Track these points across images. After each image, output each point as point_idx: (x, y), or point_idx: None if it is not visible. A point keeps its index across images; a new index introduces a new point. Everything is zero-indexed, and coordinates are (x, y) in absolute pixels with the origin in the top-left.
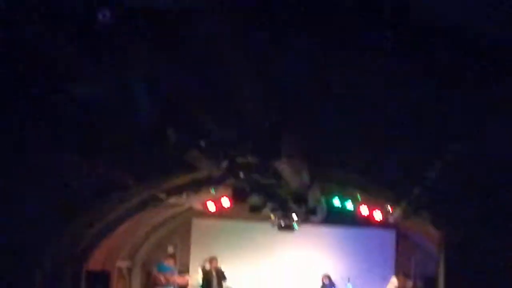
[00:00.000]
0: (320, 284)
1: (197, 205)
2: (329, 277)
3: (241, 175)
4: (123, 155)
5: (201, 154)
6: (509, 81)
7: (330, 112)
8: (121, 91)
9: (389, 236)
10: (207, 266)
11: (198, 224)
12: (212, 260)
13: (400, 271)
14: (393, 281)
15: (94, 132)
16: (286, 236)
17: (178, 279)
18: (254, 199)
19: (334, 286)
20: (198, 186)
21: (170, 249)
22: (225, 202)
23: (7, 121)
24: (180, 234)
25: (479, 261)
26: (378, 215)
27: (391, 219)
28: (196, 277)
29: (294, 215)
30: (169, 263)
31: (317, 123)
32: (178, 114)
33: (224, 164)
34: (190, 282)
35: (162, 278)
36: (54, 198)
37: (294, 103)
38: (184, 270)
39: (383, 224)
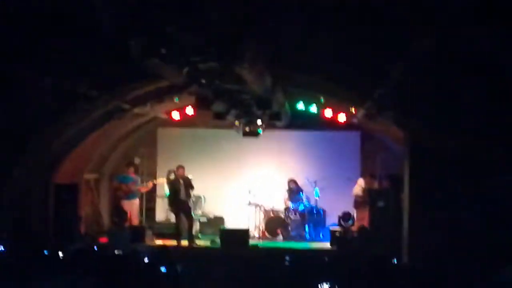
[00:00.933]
0: (287, 188)
1: (162, 114)
2: (295, 182)
3: (204, 81)
4: (86, 66)
5: (163, 61)
6: None
7: (292, 14)
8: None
9: (354, 138)
10: (174, 175)
11: (163, 134)
12: (179, 168)
13: (366, 172)
14: (360, 182)
15: (56, 43)
16: (251, 141)
17: (141, 188)
18: (218, 106)
19: (300, 190)
20: (161, 95)
21: (137, 160)
22: (189, 110)
23: None
24: (146, 145)
25: (443, 158)
26: (342, 117)
27: (355, 121)
28: (161, 183)
29: (258, 121)
30: (130, 173)
31: (279, 26)
32: (140, 21)
33: (186, 70)
34: (156, 188)
35: (123, 188)
36: (18, 111)
37: (256, 5)
38: (150, 180)
39: (348, 126)
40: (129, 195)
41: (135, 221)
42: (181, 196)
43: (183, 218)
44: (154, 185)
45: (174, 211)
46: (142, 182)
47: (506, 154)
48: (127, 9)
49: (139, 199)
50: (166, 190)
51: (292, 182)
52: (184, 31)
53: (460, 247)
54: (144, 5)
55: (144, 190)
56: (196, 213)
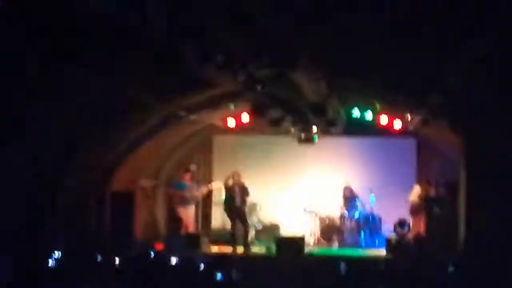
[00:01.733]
0: (342, 195)
1: (217, 122)
2: (350, 189)
3: (259, 88)
4: (141, 73)
5: (218, 69)
6: None
7: (347, 19)
8: (134, 7)
9: (410, 145)
10: (230, 182)
11: (219, 141)
12: (235, 175)
13: (422, 179)
14: (416, 189)
15: (111, 50)
16: (307, 148)
17: (197, 194)
18: (273, 113)
19: (356, 197)
20: (217, 102)
21: (193, 167)
22: (245, 117)
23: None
24: (201, 152)
25: (500, 164)
26: (397, 124)
27: (410, 127)
28: (218, 189)
29: (313, 127)
30: (187, 180)
31: (334, 32)
32: (193, 29)
33: (241, 78)
34: (212, 195)
35: (177, 195)
36: (75, 118)
37: (310, 12)
38: (205, 187)
39: (403, 133)
40: (185, 202)
41: (191, 228)
42: (236, 203)
43: (239, 225)
44: (210, 191)
45: (230, 218)
46: (198, 188)
47: None
48: (181, 16)
49: (195, 206)
50: (223, 196)
51: (348, 189)
52: (239, 38)
53: None
54: (198, 12)
55: (199, 195)
56: (252, 220)
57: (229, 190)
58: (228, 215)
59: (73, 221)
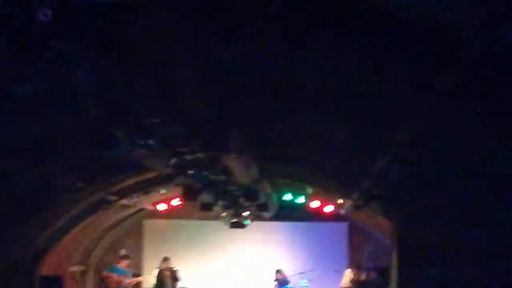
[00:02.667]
0: (274, 279)
1: (148, 206)
2: (282, 272)
3: (191, 172)
4: (70, 158)
5: (150, 153)
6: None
7: (278, 107)
8: (64, 92)
9: (342, 229)
10: (162, 266)
11: (149, 225)
12: (165, 260)
13: (354, 263)
14: (348, 273)
15: (39, 135)
16: (238, 232)
17: (131, 281)
18: (205, 197)
19: (288, 282)
20: (148, 186)
21: (123, 251)
22: (176, 201)
23: None
24: (132, 236)
25: (432, 251)
26: (329, 208)
27: (342, 212)
28: (149, 278)
29: (245, 212)
30: (122, 265)
31: (265, 118)
32: (124, 114)
33: (173, 162)
34: (143, 283)
35: (114, 278)
36: (3, 201)
37: (241, 98)
38: (138, 272)
39: (335, 217)
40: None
41: None
42: (167, 287)
43: None
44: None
45: None
46: (133, 276)
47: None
48: (111, 100)
49: None
50: (153, 281)
51: (279, 272)
52: (170, 123)
53: None
54: (129, 97)
55: (134, 283)
56: None
57: (160, 274)
58: None
59: None
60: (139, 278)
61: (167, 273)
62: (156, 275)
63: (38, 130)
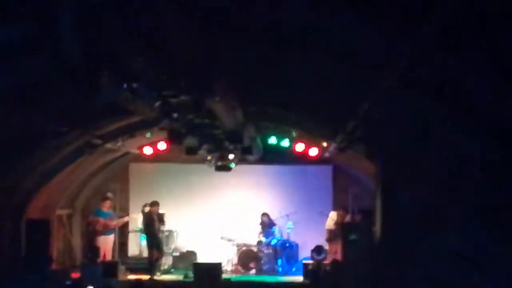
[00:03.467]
0: (259, 222)
1: (134, 150)
2: (268, 215)
3: (176, 115)
4: (55, 102)
5: (134, 96)
6: None
7: (263, 48)
8: (47, 36)
9: (326, 172)
10: (146, 209)
11: (135, 169)
12: (155, 205)
13: (338, 205)
14: (332, 215)
15: (22, 80)
16: (224, 176)
17: (117, 223)
18: (190, 141)
19: (273, 224)
20: (133, 130)
21: (109, 195)
22: (161, 145)
23: None
24: (118, 180)
25: (415, 192)
26: (314, 151)
27: (327, 154)
28: (135, 217)
29: (230, 155)
30: (106, 208)
31: (249, 60)
32: (108, 57)
33: (158, 105)
34: (129, 223)
35: (101, 222)
36: None
37: (225, 39)
38: (124, 215)
39: (320, 160)
40: (106, 231)
41: (109, 256)
42: (155, 230)
43: (156, 252)
44: (126, 221)
45: (147, 245)
46: (117, 217)
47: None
48: (96, 42)
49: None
50: (139, 224)
51: (265, 215)
52: (154, 66)
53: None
54: (113, 40)
55: (119, 224)
56: (169, 247)
57: (147, 218)
58: (147, 243)
59: None
60: (125, 219)
61: (154, 216)
62: (143, 218)
63: (22, 75)
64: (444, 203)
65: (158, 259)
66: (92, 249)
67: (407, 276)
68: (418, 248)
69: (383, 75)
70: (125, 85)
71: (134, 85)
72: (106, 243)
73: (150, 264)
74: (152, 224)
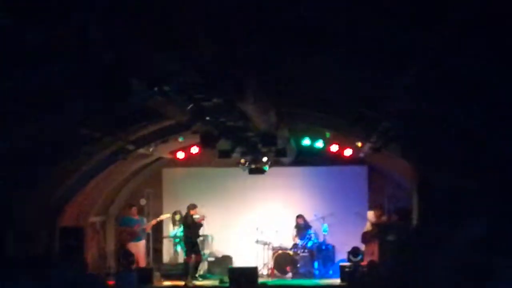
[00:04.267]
0: (294, 225)
1: (167, 155)
2: (303, 218)
3: (208, 118)
4: (87, 108)
5: (166, 99)
6: None
7: (294, 49)
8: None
9: (361, 172)
10: (178, 216)
11: (168, 174)
12: (193, 208)
13: (374, 206)
14: (369, 216)
15: (55, 85)
16: (257, 179)
17: (150, 225)
18: (223, 144)
19: (308, 227)
20: (166, 134)
21: (142, 201)
22: (194, 149)
23: None
24: (151, 185)
25: (452, 191)
26: (348, 152)
27: (362, 155)
28: (164, 219)
29: (264, 158)
30: (132, 215)
31: (283, 61)
32: (138, 60)
33: (190, 108)
34: (163, 228)
35: (127, 231)
36: (21, 155)
37: (257, 41)
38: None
39: (354, 161)
40: (135, 238)
41: (142, 263)
42: (190, 235)
43: (193, 257)
44: (158, 222)
45: (188, 248)
46: (146, 222)
47: None
48: (127, 46)
49: (146, 241)
50: (171, 230)
51: (300, 217)
52: (186, 69)
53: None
54: (144, 44)
55: (148, 228)
56: (204, 252)
57: (183, 222)
58: (186, 246)
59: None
60: (152, 222)
61: (190, 220)
62: (183, 222)
63: (51, 79)
64: (473, 195)
65: (198, 262)
66: (126, 256)
67: (435, 267)
68: (448, 238)
69: (412, 72)
70: (156, 88)
71: (166, 88)
72: (138, 249)
73: (187, 268)
74: (191, 227)
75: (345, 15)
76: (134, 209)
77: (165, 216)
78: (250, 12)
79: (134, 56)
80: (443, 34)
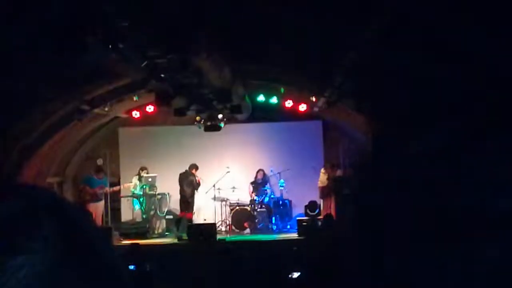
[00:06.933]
0: (251, 181)
1: (122, 114)
2: (263, 172)
3: (163, 75)
4: (40, 67)
5: (120, 57)
6: None
7: (250, 6)
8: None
9: (316, 127)
10: (142, 173)
11: (124, 133)
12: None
13: (330, 160)
14: (324, 171)
15: (10, 46)
16: (213, 136)
17: (108, 191)
18: (178, 102)
19: (265, 183)
20: (121, 94)
21: (100, 161)
22: (150, 108)
23: None
24: (108, 145)
25: (406, 142)
26: (303, 107)
27: (316, 110)
28: (128, 186)
29: (219, 115)
30: (98, 176)
31: (236, 17)
32: (93, 18)
33: (144, 65)
34: (123, 192)
35: (88, 192)
36: None
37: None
38: (116, 181)
39: (309, 115)
40: (95, 199)
41: (99, 223)
42: (191, 193)
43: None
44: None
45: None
46: (111, 185)
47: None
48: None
49: (103, 201)
50: (132, 189)
51: (260, 172)
52: (139, 25)
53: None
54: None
55: (109, 192)
56: (162, 210)
57: (183, 180)
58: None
59: None
60: (117, 187)
61: (193, 178)
62: (135, 183)
63: (8, 40)
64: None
65: (190, 220)
66: None
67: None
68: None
69: (368, 26)
70: (110, 46)
71: (120, 45)
72: (97, 209)
73: (179, 223)
74: (190, 185)
75: None
76: (100, 173)
77: (132, 184)
78: None
79: (89, 14)
80: None
